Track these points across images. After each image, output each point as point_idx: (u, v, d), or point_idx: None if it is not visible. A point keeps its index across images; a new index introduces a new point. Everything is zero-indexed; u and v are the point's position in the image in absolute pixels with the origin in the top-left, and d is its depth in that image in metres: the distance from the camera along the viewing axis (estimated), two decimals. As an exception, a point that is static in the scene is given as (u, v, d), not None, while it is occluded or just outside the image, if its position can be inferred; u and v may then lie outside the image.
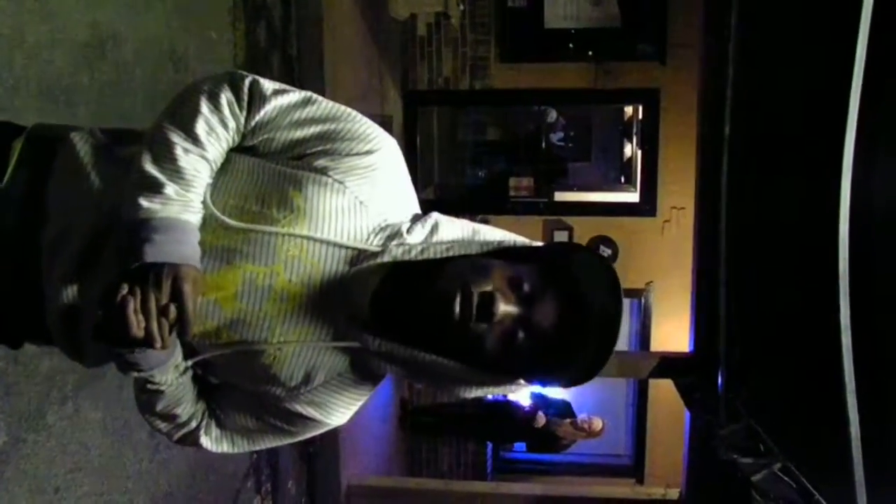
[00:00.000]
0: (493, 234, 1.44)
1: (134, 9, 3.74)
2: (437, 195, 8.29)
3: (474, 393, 1.43)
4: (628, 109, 9.26)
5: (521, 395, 8.95)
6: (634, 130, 8.90)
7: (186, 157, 1.33)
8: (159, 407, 1.47)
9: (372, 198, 1.39)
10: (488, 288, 1.29)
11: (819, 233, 3.20)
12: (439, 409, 8.66)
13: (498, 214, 8.19)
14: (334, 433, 6.14)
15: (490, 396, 9.13)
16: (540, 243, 1.44)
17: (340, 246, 1.36)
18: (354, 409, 1.53)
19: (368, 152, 1.39)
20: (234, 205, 1.36)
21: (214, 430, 1.54)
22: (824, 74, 3.68)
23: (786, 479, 4.12)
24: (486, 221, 8.12)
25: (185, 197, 1.31)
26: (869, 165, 3.18)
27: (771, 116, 4.60)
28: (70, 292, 1.42)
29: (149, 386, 1.42)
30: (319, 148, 1.39)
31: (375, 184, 1.40)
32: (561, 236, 8.08)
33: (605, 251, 8.07)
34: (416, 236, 1.39)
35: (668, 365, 5.96)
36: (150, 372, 1.37)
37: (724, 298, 4.96)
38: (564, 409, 8.46)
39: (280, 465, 5.65)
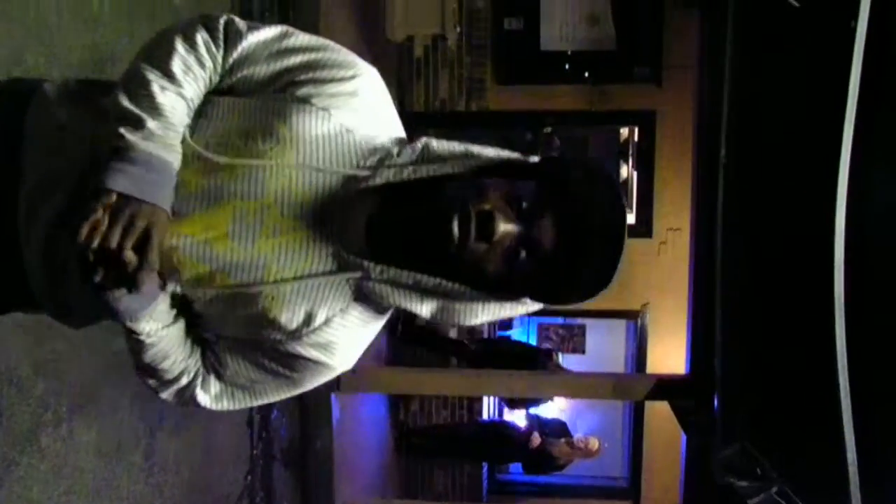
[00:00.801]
0: (487, 150, 1.38)
1: (130, 31, 3.76)
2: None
3: (481, 318, 1.38)
4: (624, 131, 9.30)
5: (517, 415, 8.94)
6: (630, 152, 8.94)
7: (163, 94, 1.28)
8: (145, 359, 1.39)
9: (358, 123, 1.35)
10: (486, 207, 1.25)
11: (814, 256, 3.20)
12: (434, 431, 8.62)
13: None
14: (328, 452, 6.12)
15: (485, 417, 9.11)
16: (537, 158, 1.39)
17: (330, 172, 1.32)
18: (361, 349, 1.47)
19: (352, 77, 1.36)
20: (216, 142, 1.32)
21: (214, 386, 1.46)
22: (820, 97, 3.70)
23: (783, 502, 4.10)
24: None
25: (166, 134, 1.27)
26: (864, 189, 3.19)
27: (767, 139, 4.61)
28: (52, 244, 1.37)
29: (133, 335, 1.34)
30: (300, 77, 1.35)
31: (360, 109, 1.36)
32: (557, 257, 8.07)
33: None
34: (407, 157, 1.35)
35: (665, 387, 5.94)
36: (132, 320, 1.30)
37: (720, 320, 4.96)
38: (560, 429, 8.43)
39: (274, 487, 5.62)
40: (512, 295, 1.37)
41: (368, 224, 1.33)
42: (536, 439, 8.08)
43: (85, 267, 1.20)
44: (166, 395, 1.47)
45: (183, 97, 1.31)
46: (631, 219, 8.43)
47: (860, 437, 3.18)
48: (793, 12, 4.24)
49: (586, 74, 7.70)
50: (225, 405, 1.49)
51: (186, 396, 1.46)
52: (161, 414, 3.99)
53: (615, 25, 7.62)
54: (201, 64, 1.33)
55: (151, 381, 1.45)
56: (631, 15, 7.65)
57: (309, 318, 1.36)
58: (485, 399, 9.09)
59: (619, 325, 8.97)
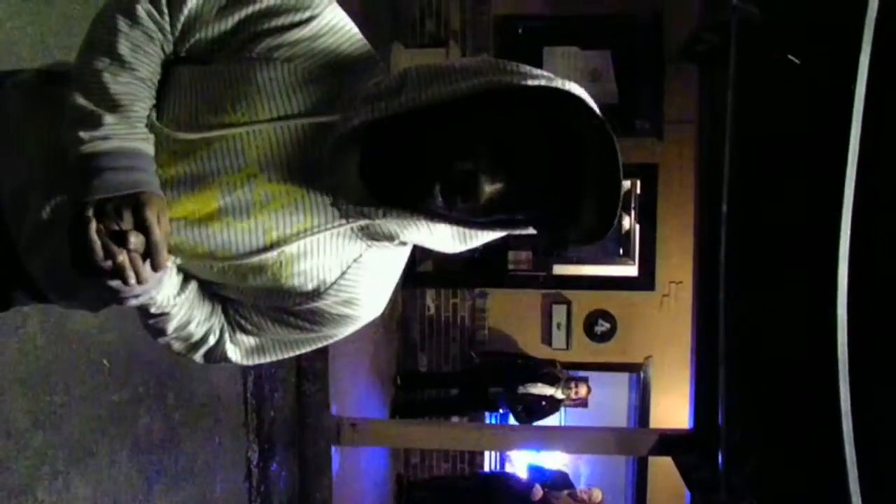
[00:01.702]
0: (473, 77, 1.23)
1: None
2: (435, 267, 8.30)
3: (496, 234, 1.34)
4: (626, 183, 9.34)
5: (518, 466, 8.85)
6: (633, 204, 8.96)
7: (116, 81, 1.22)
8: (170, 329, 1.36)
9: (324, 64, 1.28)
10: (469, 166, 1.18)
11: (817, 311, 3.20)
12: (435, 483, 8.53)
13: (497, 287, 8.20)
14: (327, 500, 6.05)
15: (486, 470, 9.01)
16: (531, 79, 1.23)
17: (309, 123, 1.25)
18: (388, 290, 1.42)
19: (309, 19, 1.28)
20: (186, 120, 1.26)
21: (243, 342, 1.44)
22: (820, 153, 3.73)
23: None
24: (484, 296, 8.18)
25: (128, 123, 1.21)
26: (866, 244, 3.19)
27: (768, 193, 4.63)
28: (47, 242, 1.33)
29: (152, 310, 1.32)
30: (256, 29, 1.27)
31: (326, 50, 1.29)
32: (559, 310, 8.07)
33: (604, 326, 8.07)
34: (384, 87, 1.25)
35: (668, 442, 5.90)
36: (147, 298, 1.27)
37: (723, 375, 4.94)
38: (562, 481, 8.33)
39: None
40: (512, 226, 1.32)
41: (361, 168, 1.28)
42: (538, 492, 7.98)
43: (99, 282, 1.18)
44: (197, 357, 1.45)
45: (139, 79, 1.25)
46: (633, 271, 8.43)
47: (866, 494, 3.15)
48: (793, 68, 4.28)
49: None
50: (257, 359, 1.47)
51: (217, 356, 1.45)
52: (159, 467, 3.95)
53: (617, 80, 7.69)
54: (149, 38, 1.26)
55: (178, 346, 1.42)
56: (632, 70, 7.73)
57: (322, 275, 1.33)
58: (486, 453, 9.01)
59: (622, 379, 8.91)
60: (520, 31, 8.00)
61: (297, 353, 1.50)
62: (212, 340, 1.42)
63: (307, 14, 1.27)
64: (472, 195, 1.18)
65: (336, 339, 1.46)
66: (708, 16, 5.28)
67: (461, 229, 1.32)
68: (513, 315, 8.22)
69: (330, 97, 1.27)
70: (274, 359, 1.48)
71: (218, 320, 1.43)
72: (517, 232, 1.34)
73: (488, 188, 1.19)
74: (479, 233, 1.33)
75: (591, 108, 1.24)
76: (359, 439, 6.25)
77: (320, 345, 1.49)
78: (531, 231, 1.32)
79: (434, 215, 1.28)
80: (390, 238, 1.32)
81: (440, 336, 8.32)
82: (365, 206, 1.27)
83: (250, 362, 1.48)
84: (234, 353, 1.45)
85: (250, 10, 1.27)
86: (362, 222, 1.29)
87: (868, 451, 3.11)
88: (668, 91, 7.59)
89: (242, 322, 1.44)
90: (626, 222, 9.35)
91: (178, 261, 1.31)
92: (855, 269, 3.12)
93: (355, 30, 1.33)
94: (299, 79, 1.27)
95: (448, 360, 8.35)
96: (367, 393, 7.41)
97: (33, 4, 3.08)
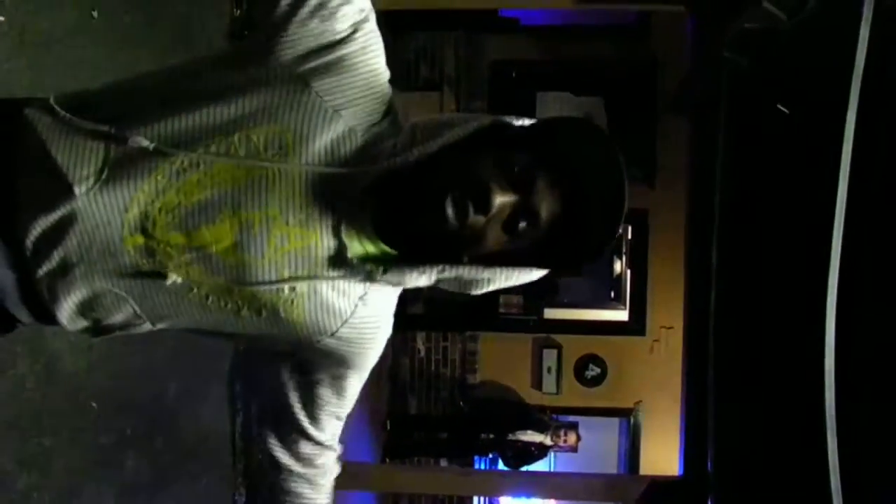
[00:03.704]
0: (472, 121, 1.30)
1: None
2: (425, 310, 8.30)
3: (493, 285, 1.33)
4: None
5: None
6: (624, 250, 9.00)
7: None
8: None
9: (362, 118, 1.31)
10: (480, 180, 1.22)
11: (805, 361, 3.21)
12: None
13: (487, 331, 8.19)
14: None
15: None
16: (528, 121, 1.32)
17: (333, 176, 1.27)
18: (390, 326, 1.45)
19: (378, 73, 1.32)
20: (216, 144, 1.26)
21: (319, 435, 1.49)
22: (809, 203, 3.76)
23: None
24: (474, 339, 8.17)
25: None
26: (854, 297, 3.21)
27: (757, 244, 4.66)
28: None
29: None
30: (325, 61, 1.28)
31: (366, 104, 1.31)
32: (550, 354, 8.07)
33: (594, 370, 8.06)
34: (399, 143, 1.29)
35: (658, 489, 5.87)
36: None
37: (713, 421, 4.93)
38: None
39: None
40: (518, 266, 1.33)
41: (374, 222, 1.30)
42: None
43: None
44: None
45: None
46: (624, 316, 8.44)
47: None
48: (783, 119, 4.34)
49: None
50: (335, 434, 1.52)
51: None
52: (145, 510, 3.92)
53: (609, 127, 7.77)
54: None
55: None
56: (624, 116, 7.81)
57: (331, 313, 1.34)
58: (475, 499, 8.94)
59: (612, 424, 8.88)
60: (513, 75, 8.08)
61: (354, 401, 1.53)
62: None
63: (380, 71, 1.32)
64: (485, 204, 1.20)
65: (368, 370, 1.49)
66: (699, 66, 5.35)
67: (463, 275, 1.31)
68: (503, 358, 8.21)
69: (356, 151, 1.29)
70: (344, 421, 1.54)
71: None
72: (515, 281, 1.34)
73: (499, 197, 1.21)
74: (476, 278, 1.32)
75: (593, 131, 1.27)
76: (346, 483, 6.18)
77: (360, 385, 1.51)
78: (531, 273, 1.33)
79: (440, 259, 1.29)
80: (392, 284, 1.34)
81: (430, 379, 8.30)
82: (371, 264, 1.30)
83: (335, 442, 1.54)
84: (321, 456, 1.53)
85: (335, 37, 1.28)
86: (364, 277, 1.32)
87: (856, 499, 3.10)
88: (660, 138, 7.67)
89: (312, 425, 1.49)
90: (618, 267, 9.39)
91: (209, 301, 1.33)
92: (843, 322, 3.14)
93: (388, 85, 1.35)
94: (336, 133, 1.28)
95: (438, 402, 8.32)
96: (355, 436, 7.37)
97: (31, 47, 3.11)
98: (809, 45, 4.08)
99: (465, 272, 1.30)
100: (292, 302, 1.31)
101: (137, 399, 3.78)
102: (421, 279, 1.31)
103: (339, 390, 1.47)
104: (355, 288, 1.34)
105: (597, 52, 8.02)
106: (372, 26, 1.31)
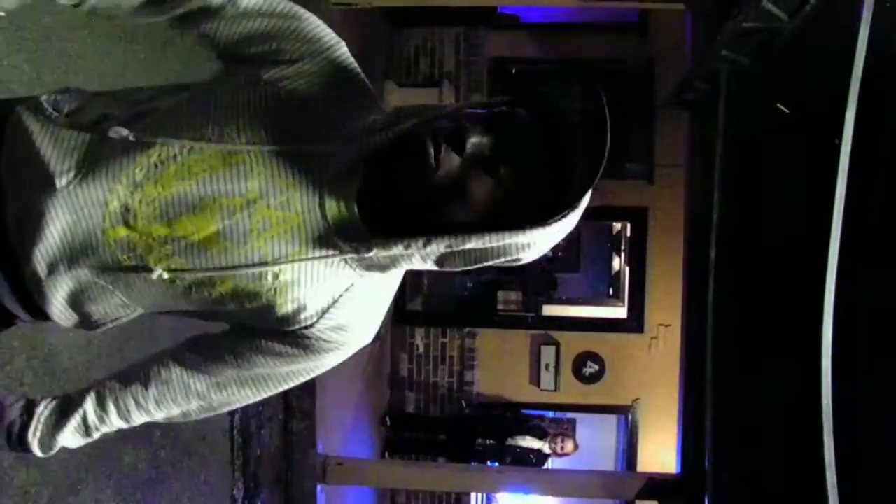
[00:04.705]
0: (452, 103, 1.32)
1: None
2: (424, 306, 8.31)
3: (485, 257, 1.28)
4: (617, 225, 9.38)
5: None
6: (623, 247, 9.01)
7: None
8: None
9: (331, 98, 1.32)
10: (455, 123, 1.22)
11: (803, 358, 3.22)
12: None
13: (486, 327, 8.20)
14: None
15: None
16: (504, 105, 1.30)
17: (311, 154, 1.27)
18: (379, 316, 1.42)
19: (326, 50, 1.33)
20: (190, 135, 1.28)
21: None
22: (807, 199, 3.77)
23: None
24: (473, 336, 8.18)
25: None
26: (852, 291, 3.22)
27: (755, 240, 4.67)
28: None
29: None
30: (271, 48, 1.32)
31: (335, 82, 1.32)
32: (548, 351, 8.08)
33: (592, 367, 8.07)
34: (379, 123, 1.29)
35: (655, 486, 5.89)
36: None
37: (711, 419, 4.94)
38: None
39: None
40: (508, 223, 1.26)
41: (359, 196, 1.28)
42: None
43: None
44: None
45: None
46: (623, 313, 8.45)
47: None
48: (782, 116, 4.34)
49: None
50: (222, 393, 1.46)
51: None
52: (143, 506, 3.93)
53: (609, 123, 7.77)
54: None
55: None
56: (623, 114, 7.81)
57: (315, 303, 1.33)
58: (472, 494, 8.96)
59: (610, 420, 8.90)
60: (513, 72, 8.08)
61: (286, 388, 1.48)
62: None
63: (325, 45, 1.32)
64: (460, 140, 1.19)
65: (323, 369, 1.45)
66: (698, 65, 5.35)
67: (454, 247, 1.26)
68: (502, 355, 8.21)
69: (332, 128, 1.29)
70: (237, 397, 1.47)
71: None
72: (508, 240, 1.26)
73: (474, 137, 1.20)
74: (467, 251, 1.27)
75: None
76: (344, 478, 6.22)
77: (309, 377, 1.46)
78: (523, 234, 1.25)
79: (425, 230, 1.25)
80: (383, 268, 1.32)
81: (429, 375, 8.30)
82: (358, 241, 1.27)
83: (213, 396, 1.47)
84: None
85: (281, 24, 1.31)
86: (354, 256, 1.29)
87: (852, 496, 3.11)
88: (659, 135, 7.67)
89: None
90: (616, 264, 9.39)
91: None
92: (840, 316, 3.15)
93: (358, 69, 1.37)
94: (304, 109, 1.29)
95: (436, 400, 8.33)
96: (354, 431, 7.38)
97: (30, 42, 3.11)
98: (809, 45, 4.08)
99: (458, 242, 1.25)
100: (275, 291, 1.30)
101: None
102: (413, 257, 1.28)
103: (274, 363, 1.43)
104: (342, 277, 1.32)
105: (596, 49, 8.01)
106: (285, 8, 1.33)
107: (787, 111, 4.37)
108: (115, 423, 1.47)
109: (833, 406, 2.96)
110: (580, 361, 8.09)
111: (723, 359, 4.86)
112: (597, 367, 8.07)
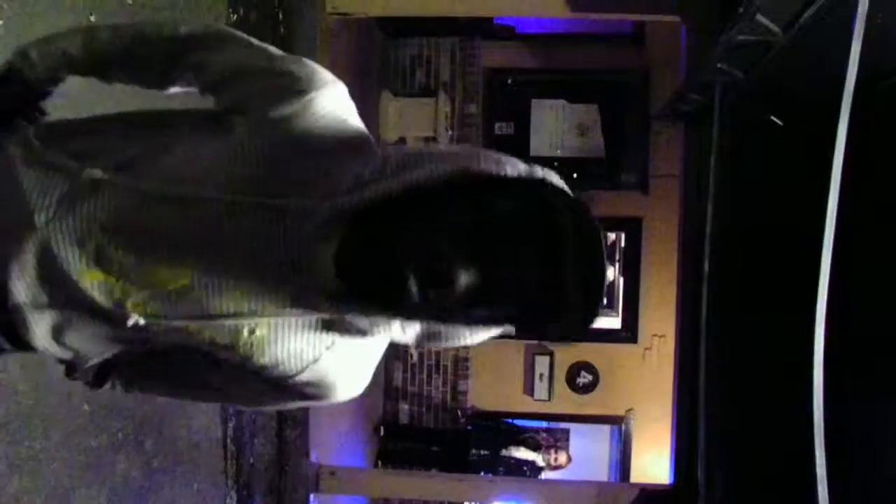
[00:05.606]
0: (451, 158, 1.20)
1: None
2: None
3: (468, 340, 1.24)
4: (611, 235, 9.39)
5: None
6: (617, 257, 9.01)
7: None
8: None
9: (303, 149, 1.24)
10: (443, 261, 1.11)
11: (795, 374, 3.22)
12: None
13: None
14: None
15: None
16: (511, 168, 1.22)
17: (292, 210, 1.20)
18: (367, 372, 1.36)
19: (301, 94, 1.25)
20: (169, 180, 1.23)
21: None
22: (800, 211, 3.78)
23: None
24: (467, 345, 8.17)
25: None
26: (844, 303, 3.23)
27: (749, 251, 4.69)
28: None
29: None
30: (248, 88, 1.28)
31: (309, 133, 1.25)
32: (542, 361, 8.08)
33: (586, 377, 8.07)
34: (367, 175, 1.20)
35: (648, 497, 5.90)
36: None
37: (704, 430, 4.95)
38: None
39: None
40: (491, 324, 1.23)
41: (336, 258, 1.20)
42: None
43: None
44: None
45: None
46: (617, 323, 8.45)
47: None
48: (775, 128, 4.37)
49: (574, 175, 7.82)
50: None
51: None
52: (135, 514, 3.92)
53: (603, 134, 7.79)
54: None
55: None
56: (618, 124, 7.83)
57: (293, 361, 1.28)
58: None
59: (604, 431, 8.89)
60: (509, 82, 8.10)
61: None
62: None
63: (300, 90, 1.25)
64: (446, 286, 1.12)
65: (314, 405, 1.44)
66: (693, 76, 5.38)
67: (431, 327, 1.23)
68: (496, 365, 8.21)
69: (307, 182, 1.22)
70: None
71: None
72: (493, 334, 1.25)
73: (464, 279, 1.12)
74: (450, 330, 1.24)
75: (571, 198, 1.21)
76: (337, 488, 6.22)
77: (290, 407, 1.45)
78: (510, 329, 1.24)
79: (409, 312, 1.21)
80: (362, 333, 1.27)
81: (423, 385, 8.30)
82: (335, 302, 1.21)
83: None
84: None
85: (252, 63, 1.29)
86: (331, 316, 1.25)
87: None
88: (653, 146, 7.69)
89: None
90: (611, 274, 9.40)
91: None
92: (832, 329, 3.16)
93: (349, 116, 1.30)
94: (275, 157, 1.23)
95: (430, 410, 8.32)
96: (347, 440, 7.37)
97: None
98: (802, 58, 4.11)
99: (435, 328, 1.22)
100: (251, 345, 1.26)
101: (130, 402, 3.78)
102: (393, 330, 1.24)
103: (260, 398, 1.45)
104: (321, 335, 1.28)
105: (592, 60, 8.04)
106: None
107: (780, 123, 4.40)
108: None
109: (825, 419, 2.97)
110: (574, 371, 8.09)
111: (716, 370, 4.87)
112: (590, 378, 8.07)
